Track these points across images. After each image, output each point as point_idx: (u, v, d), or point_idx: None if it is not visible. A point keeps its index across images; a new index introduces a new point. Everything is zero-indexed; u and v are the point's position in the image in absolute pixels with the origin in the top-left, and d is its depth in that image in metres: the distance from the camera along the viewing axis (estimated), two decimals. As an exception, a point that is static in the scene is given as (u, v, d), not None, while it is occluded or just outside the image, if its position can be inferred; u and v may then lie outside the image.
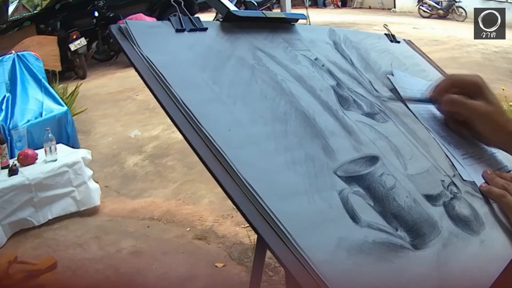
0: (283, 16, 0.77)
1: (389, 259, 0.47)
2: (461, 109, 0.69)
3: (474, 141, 0.72)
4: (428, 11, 12.05)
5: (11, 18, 8.32)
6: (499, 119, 0.67)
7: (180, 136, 0.51)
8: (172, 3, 0.62)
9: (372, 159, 0.58)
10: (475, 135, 0.71)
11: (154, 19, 6.81)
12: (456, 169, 0.66)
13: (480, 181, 0.64)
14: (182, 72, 0.56)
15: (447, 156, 0.68)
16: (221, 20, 0.68)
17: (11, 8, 9.01)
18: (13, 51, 3.76)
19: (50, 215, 2.74)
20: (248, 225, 0.45)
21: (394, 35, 0.96)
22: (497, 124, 0.67)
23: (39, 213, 2.69)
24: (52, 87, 3.86)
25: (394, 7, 14.21)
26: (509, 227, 0.59)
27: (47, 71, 4.18)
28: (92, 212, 2.94)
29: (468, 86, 0.69)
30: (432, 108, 0.74)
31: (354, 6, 15.31)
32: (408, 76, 0.83)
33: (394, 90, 0.77)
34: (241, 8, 0.90)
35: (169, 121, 0.51)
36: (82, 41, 6.57)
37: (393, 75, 0.81)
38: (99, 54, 7.65)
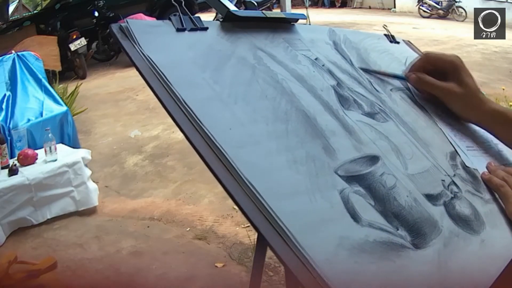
0: (283, 16, 0.77)
1: (390, 258, 0.47)
2: (430, 89, 0.72)
3: (481, 135, 0.73)
4: (428, 11, 12.06)
5: (11, 18, 8.31)
6: (471, 100, 0.69)
7: (180, 136, 0.51)
8: (173, 2, 0.63)
9: (373, 159, 0.58)
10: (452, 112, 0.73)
11: (154, 19, 6.81)
12: (459, 156, 0.67)
13: (482, 170, 0.66)
14: (183, 71, 0.56)
15: (452, 144, 0.68)
16: (221, 20, 0.69)
17: (11, 8, 9.00)
18: (13, 51, 3.76)
19: (49, 214, 2.75)
20: (248, 225, 0.45)
21: (393, 35, 0.96)
22: (469, 105, 0.70)
23: (38, 212, 2.70)
24: (52, 87, 3.86)
25: (394, 7, 14.21)
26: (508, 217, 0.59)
27: (47, 71, 4.18)
28: (92, 212, 2.95)
29: (443, 65, 0.71)
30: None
31: (354, 6, 15.31)
32: None
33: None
34: (241, 8, 0.90)
35: (169, 121, 0.51)
36: (82, 41, 6.57)
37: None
38: (99, 54, 7.65)
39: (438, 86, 0.71)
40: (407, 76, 0.75)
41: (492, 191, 0.64)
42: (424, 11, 12.16)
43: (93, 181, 3.03)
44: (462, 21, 10.94)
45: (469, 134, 0.73)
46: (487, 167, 0.67)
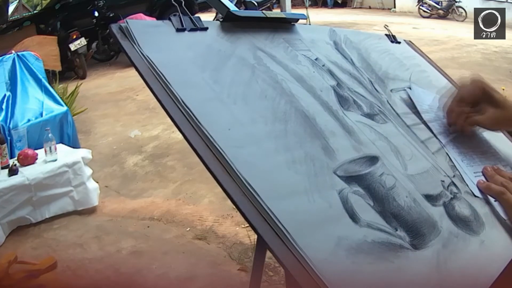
0: (283, 16, 0.77)
1: (388, 259, 0.47)
2: (478, 125, 0.71)
3: (488, 158, 0.71)
4: (428, 11, 12.05)
5: (11, 18, 8.31)
6: (507, 114, 0.68)
7: (180, 136, 0.51)
8: (173, 2, 0.62)
9: (372, 159, 0.58)
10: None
11: (154, 19, 6.80)
12: (467, 185, 0.64)
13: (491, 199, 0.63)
14: (183, 71, 0.56)
15: (459, 172, 0.66)
16: (221, 20, 0.69)
17: (11, 8, 9.00)
18: (13, 51, 3.76)
19: (48, 213, 2.75)
20: (248, 225, 0.45)
21: (394, 35, 0.96)
22: (507, 118, 0.69)
23: (37, 211, 2.70)
24: (52, 87, 3.86)
25: (394, 7, 14.19)
26: (510, 223, 0.59)
27: (47, 71, 4.17)
28: (92, 212, 2.94)
29: (474, 94, 0.69)
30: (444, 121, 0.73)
31: (354, 6, 15.30)
32: (425, 91, 0.82)
33: (410, 104, 0.76)
34: (241, 8, 0.90)
35: (169, 121, 0.51)
36: (82, 41, 6.57)
37: (410, 88, 0.79)
38: (99, 54, 7.65)
39: (482, 121, 0.69)
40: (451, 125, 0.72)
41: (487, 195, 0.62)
42: (424, 11, 12.14)
43: (93, 181, 3.03)
44: (462, 21, 10.93)
45: (475, 157, 0.70)
46: (483, 173, 0.65)
